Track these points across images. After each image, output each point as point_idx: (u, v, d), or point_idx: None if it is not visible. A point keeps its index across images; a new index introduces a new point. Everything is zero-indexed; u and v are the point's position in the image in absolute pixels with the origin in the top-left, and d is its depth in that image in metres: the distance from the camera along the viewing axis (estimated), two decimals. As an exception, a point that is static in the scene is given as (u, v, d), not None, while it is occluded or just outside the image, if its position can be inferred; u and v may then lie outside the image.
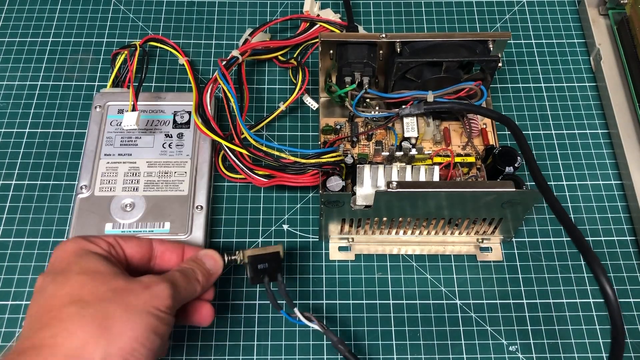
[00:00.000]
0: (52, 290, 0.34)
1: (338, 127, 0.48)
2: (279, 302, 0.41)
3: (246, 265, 0.41)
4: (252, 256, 0.40)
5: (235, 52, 0.51)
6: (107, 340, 0.31)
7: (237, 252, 0.41)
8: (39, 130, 0.53)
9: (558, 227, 0.49)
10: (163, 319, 0.34)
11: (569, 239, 0.48)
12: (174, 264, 0.40)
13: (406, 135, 0.46)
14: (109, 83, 0.52)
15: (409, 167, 0.43)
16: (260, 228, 0.49)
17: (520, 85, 0.56)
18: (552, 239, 0.49)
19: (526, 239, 0.49)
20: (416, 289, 0.46)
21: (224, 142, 0.46)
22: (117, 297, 0.33)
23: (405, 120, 0.46)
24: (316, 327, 0.39)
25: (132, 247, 0.38)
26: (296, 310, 0.39)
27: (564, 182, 0.51)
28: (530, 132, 0.54)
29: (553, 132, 0.54)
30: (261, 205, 0.50)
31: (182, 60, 0.52)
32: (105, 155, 0.49)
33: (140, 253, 0.39)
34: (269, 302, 0.45)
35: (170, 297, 0.35)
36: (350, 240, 0.47)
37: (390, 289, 0.46)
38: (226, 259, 0.41)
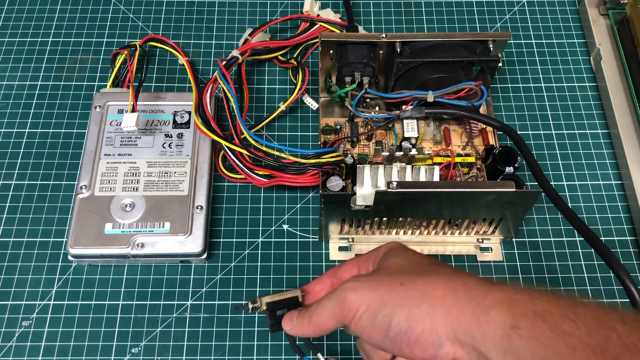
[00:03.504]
0: None
1: (338, 127, 0.48)
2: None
3: (265, 312, 0.38)
4: (270, 303, 0.38)
5: (235, 52, 0.51)
6: None
7: (255, 300, 0.39)
8: (39, 130, 0.53)
9: (558, 227, 0.49)
10: None
11: (569, 239, 0.49)
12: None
13: (406, 135, 0.46)
14: (109, 83, 0.52)
15: (409, 167, 0.43)
16: (260, 228, 0.49)
17: (520, 85, 0.56)
18: (552, 239, 0.49)
19: (526, 239, 0.49)
20: (416, 289, 0.46)
21: (224, 142, 0.46)
22: None
23: (406, 120, 0.46)
24: None
25: None
26: (320, 355, 0.39)
27: (564, 182, 0.51)
28: (530, 132, 0.54)
29: (553, 132, 0.54)
30: (261, 205, 0.50)
31: (182, 60, 0.52)
32: (105, 155, 0.49)
33: None
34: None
35: None
36: (350, 240, 0.47)
37: (390, 289, 0.46)
38: (250, 306, 0.38)
